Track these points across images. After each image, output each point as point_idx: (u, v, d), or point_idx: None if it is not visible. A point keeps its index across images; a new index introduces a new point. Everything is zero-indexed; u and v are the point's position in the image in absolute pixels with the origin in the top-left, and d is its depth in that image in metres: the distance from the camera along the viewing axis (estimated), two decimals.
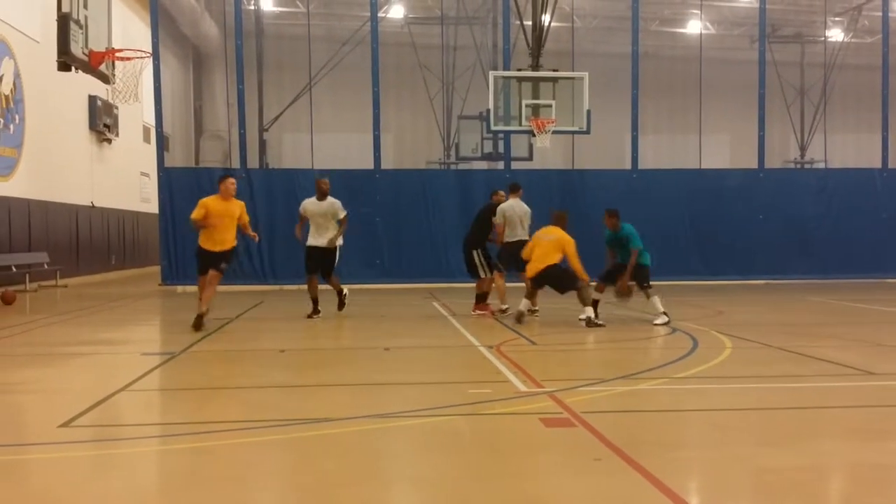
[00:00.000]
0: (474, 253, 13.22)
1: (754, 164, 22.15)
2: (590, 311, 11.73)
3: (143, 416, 6.70)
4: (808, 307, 15.23)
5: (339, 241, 13.08)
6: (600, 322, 11.67)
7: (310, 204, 13.12)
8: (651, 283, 12.15)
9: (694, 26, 27.05)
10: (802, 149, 26.33)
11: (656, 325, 11.78)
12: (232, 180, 11.93)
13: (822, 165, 25.37)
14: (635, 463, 4.91)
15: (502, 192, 13.62)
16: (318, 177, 14.75)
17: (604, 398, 6.90)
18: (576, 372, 8.71)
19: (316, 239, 13.04)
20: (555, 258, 11.98)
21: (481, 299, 13.33)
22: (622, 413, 6.47)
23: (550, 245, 11.98)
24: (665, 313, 11.92)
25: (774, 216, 21.72)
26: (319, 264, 13.06)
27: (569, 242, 11.99)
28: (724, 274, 21.21)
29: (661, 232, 20.56)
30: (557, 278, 12.06)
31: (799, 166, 26.02)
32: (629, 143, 22.04)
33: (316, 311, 13.16)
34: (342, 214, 13.05)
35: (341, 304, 13.57)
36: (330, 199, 13.07)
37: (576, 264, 11.86)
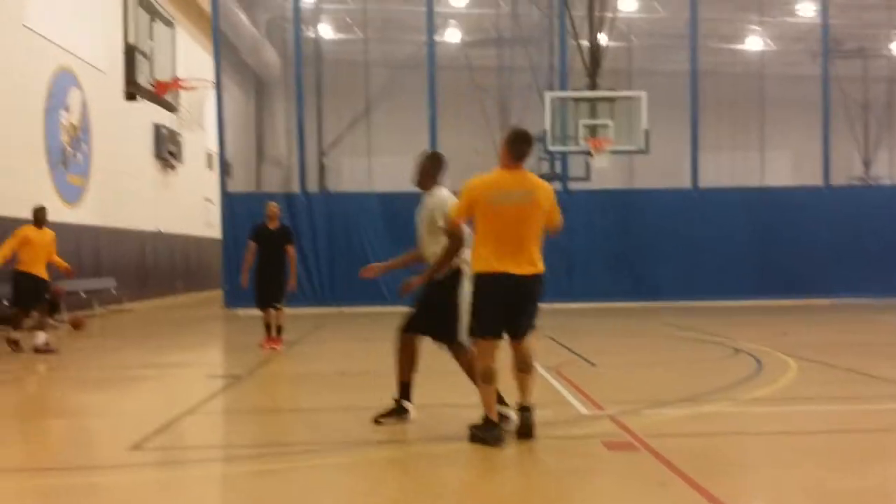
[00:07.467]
0: None
1: (816, 181, 21.68)
2: None
3: (210, 439, 6.82)
4: (877, 327, 14.87)
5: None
6: None
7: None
8: None
9: (753, 42, 26.83)
10: (866, 165, 25.83)
11: None
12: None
13: (887, 182, 24.85)
14: (701, 488, 4.86)
15: None
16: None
17: (667, 421, 6.84)
18: (637, 394, 8.62)
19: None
20: None
21: None
22: (686, 436, 6.40)
23: None
24: None
25: (841, 234, 21.06)
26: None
27: None
28: (788, 293, 20.70)
29: (724, 251, 20.28)
30: None
31: (863, 183, 25.51)
32: (688, 161, 21.80)
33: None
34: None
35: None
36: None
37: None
